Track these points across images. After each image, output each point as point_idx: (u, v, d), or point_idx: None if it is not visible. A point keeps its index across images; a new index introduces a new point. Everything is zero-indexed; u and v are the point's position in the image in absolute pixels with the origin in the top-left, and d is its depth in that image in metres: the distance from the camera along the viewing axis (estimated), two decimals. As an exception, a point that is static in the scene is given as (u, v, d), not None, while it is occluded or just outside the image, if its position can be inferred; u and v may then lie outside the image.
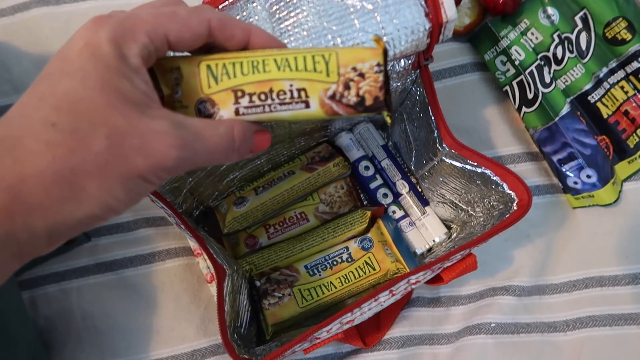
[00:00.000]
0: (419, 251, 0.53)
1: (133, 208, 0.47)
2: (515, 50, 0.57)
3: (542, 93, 0.55)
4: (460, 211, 0.51)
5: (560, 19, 0.58)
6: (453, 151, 0.46)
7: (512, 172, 0.43)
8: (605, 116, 0.57)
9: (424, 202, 0.55)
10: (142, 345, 0.53)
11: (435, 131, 0.46)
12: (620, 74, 0.58)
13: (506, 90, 0.58)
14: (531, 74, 0.56)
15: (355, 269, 0.50)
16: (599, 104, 0.58)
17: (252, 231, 0.54)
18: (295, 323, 0.50)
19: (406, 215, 0.55)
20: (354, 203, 0.56)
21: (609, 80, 0.58)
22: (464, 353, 0.52)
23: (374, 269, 0.50)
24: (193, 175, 0.46)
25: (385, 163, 0.56)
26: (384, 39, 0.36)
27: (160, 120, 0.23)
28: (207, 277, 0.54)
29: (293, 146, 0.54)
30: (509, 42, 0.57)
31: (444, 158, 0.48)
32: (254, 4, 0.36)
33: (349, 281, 0.50)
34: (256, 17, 0.36)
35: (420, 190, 0.56)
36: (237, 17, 0.36)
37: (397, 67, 0.42)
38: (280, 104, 0.26)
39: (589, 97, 0.58)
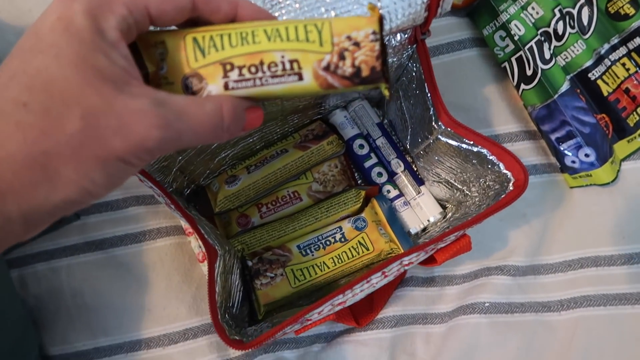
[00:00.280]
0: (413, 231, 0.53)
1: (123, 186, 0.46)
2: (515, 25, 0.55)
3: (542, 70, 0.54)
4: (455, 191, 0.51)
5: (562, -8, 0.56)
6: (449, 129, 0.45)
7: (508, 151, 0.41)
8: (605, 94, 0.56)
9: (419, 181, 0.54)
10: (133, 324, 0.53)
11: (431, 109, 0.45)
12: (622, 50, 0.57)
13: (505, 66, 0.57)
14: (530, 49, 0.54)
15: (349, 249, 0.49)
16: (599, 82, 0.56)
17: (244, 210, 0.53)
18: (288, 303, 0.49)
19: (401, 194, 0.54)
20: (348, 182, 0.55)
21: (610, 57, 0.57)
22: (458, 332, 0.52)
23: (368, 249, 0.49)
24: (183, 153, 0.45)
25: (380, 141, 0.55)
26: (380, 11, 0.34)
27: (140, 98, 0.22)
28: (198, 256, 0.53)
29: (286, 124, 0.52)
30: (508, 16, 0.55)
31: (439, 136, 0.47)
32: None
33: (342, 261, 0.49)
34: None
35: (415, 169, 0.55)
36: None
37: (392, 41, 0.41)
38: (272, 77, 0.25)
39: (589, 75, 0.56)
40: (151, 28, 0.25)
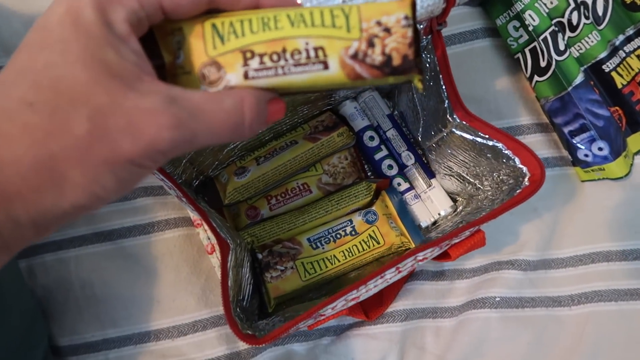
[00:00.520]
0: (423, 224, 0.52)
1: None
2: (529, 15, 0.54)
3: (556, 61, 0.53)
4: (467, 184, 0.50)
5: (578, -18, 0.55)
6: (464, 123, 0.44)
7: (525, 145, 0.41)
8: (619, 86, 0.55)
9: (430, 174, 0.54)
10: (142, 315, 0.52)
11: (446, 101, 0.45)
12: (637, 41, 0.56)
13: (518, 57, 0.56)
14: (545, 40, 0.53)
15: (359, 242, 0.49)
16: (613, 74, 0.55)
17: (253, 202, 0.53)
18: (298, 295, 0.49)
19: (411, 187, 0.53)
20: (358, 174, 0.54)
21: (624, 48, 0.56)
22: (468, 327, 0.52)
23: (378, 243, 0.49)
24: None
25: (391, 133, 0.54)
26: None
27: (151, 96, 0.20)
28: (207, 248, 0.53)
29: (296, 114, 0.52)
30: (522, 6, 0.54)
31: (454, 130, 0.46)
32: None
33: (352, 255, 0.49)
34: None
35: (426, 161, 0.55)
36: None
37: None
38: (295, 65, 0.23)
39: (604, 66, 0.55)
40: None
